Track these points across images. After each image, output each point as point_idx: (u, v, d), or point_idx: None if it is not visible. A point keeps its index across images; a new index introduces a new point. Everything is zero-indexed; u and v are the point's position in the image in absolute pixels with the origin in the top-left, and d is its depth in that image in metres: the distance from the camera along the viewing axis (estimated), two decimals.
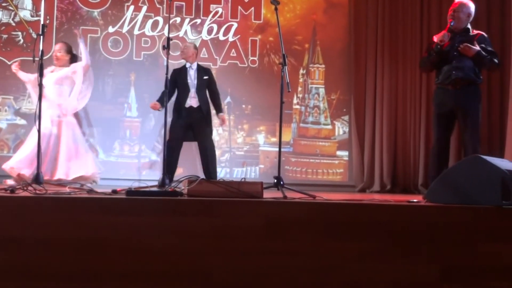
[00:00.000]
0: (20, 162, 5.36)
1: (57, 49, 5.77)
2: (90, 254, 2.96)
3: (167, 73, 4.39)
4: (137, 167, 7.03)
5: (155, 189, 4.01)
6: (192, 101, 5.96)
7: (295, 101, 7.40)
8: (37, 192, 3.44)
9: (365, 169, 7.32)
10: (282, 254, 3.09)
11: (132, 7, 7.09)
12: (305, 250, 3.11)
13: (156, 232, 3.03)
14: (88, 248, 2.96)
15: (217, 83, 6.18)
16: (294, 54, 7.36)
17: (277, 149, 4.86)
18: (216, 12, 7.26)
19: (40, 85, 4.32)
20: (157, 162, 6.94)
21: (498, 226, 3.25)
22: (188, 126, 5.96)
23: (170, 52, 4.52)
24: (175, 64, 6.29)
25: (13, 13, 6.91)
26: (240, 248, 3.06)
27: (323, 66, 7.48)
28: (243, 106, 7.31)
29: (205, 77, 6.04)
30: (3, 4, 6.87)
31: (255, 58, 7.32)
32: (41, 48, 4.35)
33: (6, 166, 5.44)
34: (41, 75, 4.34)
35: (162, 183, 4.13)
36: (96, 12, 7.08)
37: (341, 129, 7.52)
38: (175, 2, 7.06)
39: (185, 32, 7.19)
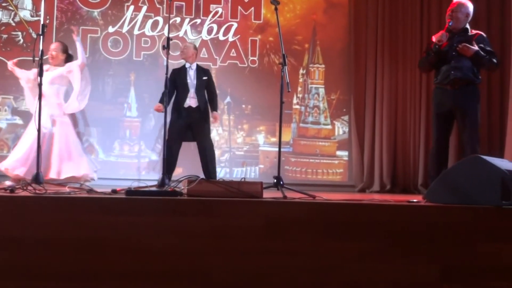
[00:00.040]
0: (15, 162, 5.37)
1: (53, 48, 5.77)
2: (90, 254, 2.96)
3: (167, 73, 4.39)
4: (136, 167, 7.03)
5: (154, 189, 4.01)
6: (191, 101, 5.97)
7: (295, 101, 7.40)
8: (37, 192, 3.44)
9: (365, 169, 7.32)
10: (282, 254, 3.09)
11: (132, 7, 7.09)
12: (305, 250, 3.11)
13: (155, 232, 3.03)
14: (88, 248, 2.97)
15: (217, 83, 6.19)
16: (294, 54, 7.36)
17: (277, 149, 4.85)
18: (216, 12, 7.26)
19: (40, 85, 4.32)
20: (157, 162, 6.94)
21: (497, 226, 3.25)
22: (187, 126, 5.97)
23: (170, 52, 4.52)
24: (175, 64, 6.29)
25: (13, 13, 6.91)
26: (240, 248, 3.06)
27: (323, 66, 7.48)
28: (243, 106, 7.30)
29: (204, 78, 6.05)
30: (3, 4, 6.87)
31: (255, 58, 7.32)
32: (41, 48, 4.34)
33: (1, 166, 5.45)
34: (41, 75, 4.33)
35: (161, 183, 4.13)
36: (96, 12, 7.08)
37: (341, 129, 7.52)
38: (175, 2, 7.06)
39: (185, 32, 7.18)
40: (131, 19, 7.08)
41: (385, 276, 3.13)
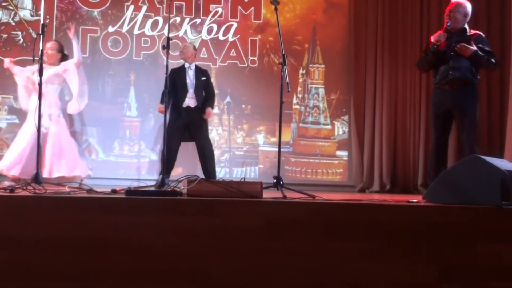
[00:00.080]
0: (10, 162, 5.38)
1: (49, 46, 5.78)
2: (89, 253, 2.96)
3: (167, 73, 4.39)
4: (136, 167, 7.03)
5: (154, 188, 4.00)
6: (190, 101, 5.98)
7: (294, 101, 7.40)
8: (37, 191, 3.43)
9: (365, 169, 7.32)
10: (282, 254, 3.09)
11: (132, 7, 7.09)
12: (304, 250, 3.11)
13: (155, 232, 3.03)
14: (88, 248, 2.96)
15: (217, 83, 6.20)
16: (294, 54, 7.35)
17: (276, 149, 4.86)
18: (216, 12, 7.26)
19: (40, 85, 4.31)
20: (156, 162, 6.94)
21: (497, 226, 3.25)
22: (186, 126, 5.98)
23: (170, 52, 4.52)
24: (175, 64, 6.29)
25: (13, 13, 6.90)
26: (239, 248, 3.06)
27: (323, 66, 7.48)
28: (243, 106, 7.30)
29: (203, 78, 6.06)
30: (3, 4, 6.87)
31: (255, 58, 7.32)
32: (41, 47, 4.35)
33: None
34: (41, 74, 4.33)
35: (161, 183, 4.12)
36: (96, 12, 7.08)
37: (340, 129, 7.52)
38: (175, 2, 7.05)
39: (185, 32, 7.18)
40: (131, 19, 7.08)
41: (385, 276, 3.13)
